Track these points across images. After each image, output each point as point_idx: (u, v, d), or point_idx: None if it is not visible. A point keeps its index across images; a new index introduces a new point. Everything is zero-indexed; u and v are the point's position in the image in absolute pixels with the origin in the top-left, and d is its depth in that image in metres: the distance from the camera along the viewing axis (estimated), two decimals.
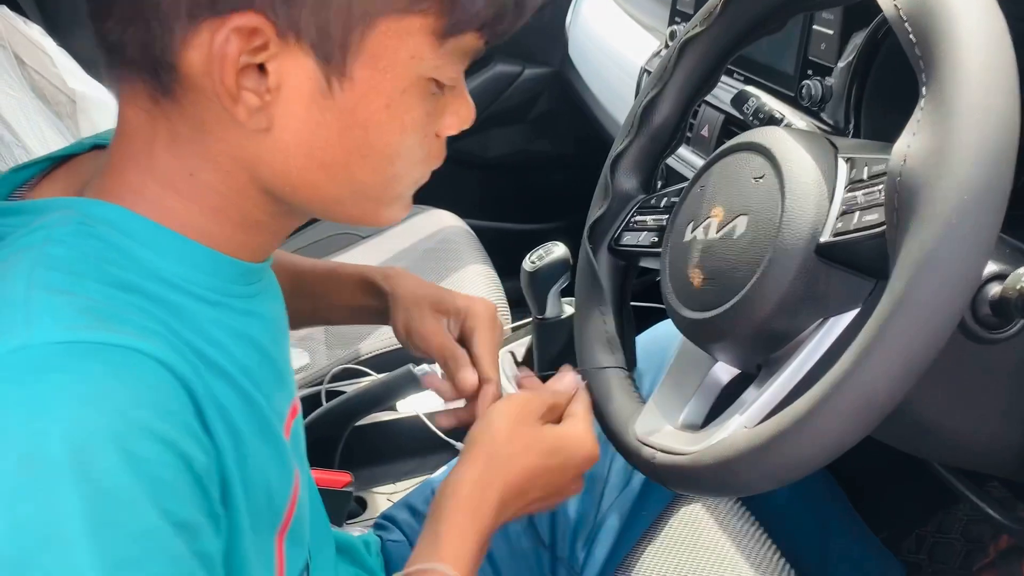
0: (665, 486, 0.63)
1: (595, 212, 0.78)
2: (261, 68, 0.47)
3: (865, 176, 0.56)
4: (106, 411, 0.41)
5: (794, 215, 0.57)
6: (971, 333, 0.55)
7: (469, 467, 0.64)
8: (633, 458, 0.66)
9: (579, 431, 0.68)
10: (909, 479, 1.11)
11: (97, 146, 0.57)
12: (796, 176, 0.59)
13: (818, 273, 0.57)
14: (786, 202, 0.58)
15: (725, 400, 0.65)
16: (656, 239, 0.73)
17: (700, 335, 0.65)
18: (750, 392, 0.60)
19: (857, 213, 0.54)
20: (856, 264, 0.56)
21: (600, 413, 0.72)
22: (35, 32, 1.56)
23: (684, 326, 0.66)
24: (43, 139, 1.41)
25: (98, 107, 1.58)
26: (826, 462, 0.51)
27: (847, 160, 0.59)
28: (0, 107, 1.35)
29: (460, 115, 0.56)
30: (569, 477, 0.68)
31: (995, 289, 0.55)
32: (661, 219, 0.73)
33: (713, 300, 0.62)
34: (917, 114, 0.48)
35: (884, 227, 0.51)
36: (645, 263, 0.77)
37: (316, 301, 0.85)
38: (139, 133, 0.51)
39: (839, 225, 0.55)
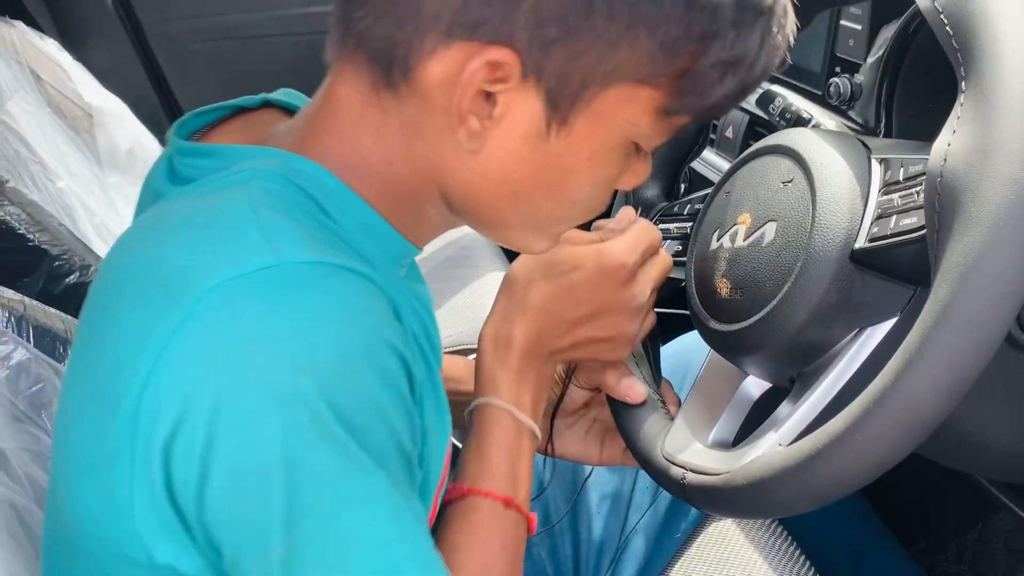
0: (696, 508, 0.61)
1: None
2: (489, 95, 0.49)
3: (901, 178, 0.53)
4: (358, 328, 0.45)
5: (826, 220, 0.55)
6: (1016, 342, 0.53)
7: (490, 314, 0.66)
8: (662, 479, 0.63)
9: (604, 244, 0.65)
10: (946, 488, 1.08)
11: (268, 103, 0.59)
12: (827, 179, 0.56)
13: (853, 281, 0.54)
14: (817, 207, 0.55)
15: (757, 416, 0.62)
16: (680, 248, 0.71)
17: (729, 348, 0.63)
18: (783, 407, 0.58)
19: (894, 217, 0.52)
20: (894, 271, 0.53)
21: (625, 430, 0.69)
22: (51, 47, 1.57)
23: (712, 338, 0.64)
24: (60, 154, 1.41)
25: (115, 120, 1.58)
26: (868, 482, 0.48)
27: (881, 161, 0.56)
28: (17, 123, 1.35)
29: (639, 174, 0.57)
30: (605, 293, 0.64)
31: None
32: (685, 227, 0.71)
33: (742, 311, 0.59)
34: (957, 111, 0.45)
35: (924, 231, 0.48)
36: (672, 273, 0.74)
37: None
38: (348, 111, 0.52)
39: (875, 230, 0.53)
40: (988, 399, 0.56)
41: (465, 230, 1.60)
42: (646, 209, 0.76)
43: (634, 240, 0.65)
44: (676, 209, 0.74)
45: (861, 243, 0.53)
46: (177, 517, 0.46)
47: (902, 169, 0.54)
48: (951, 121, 0.46)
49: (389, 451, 0.45)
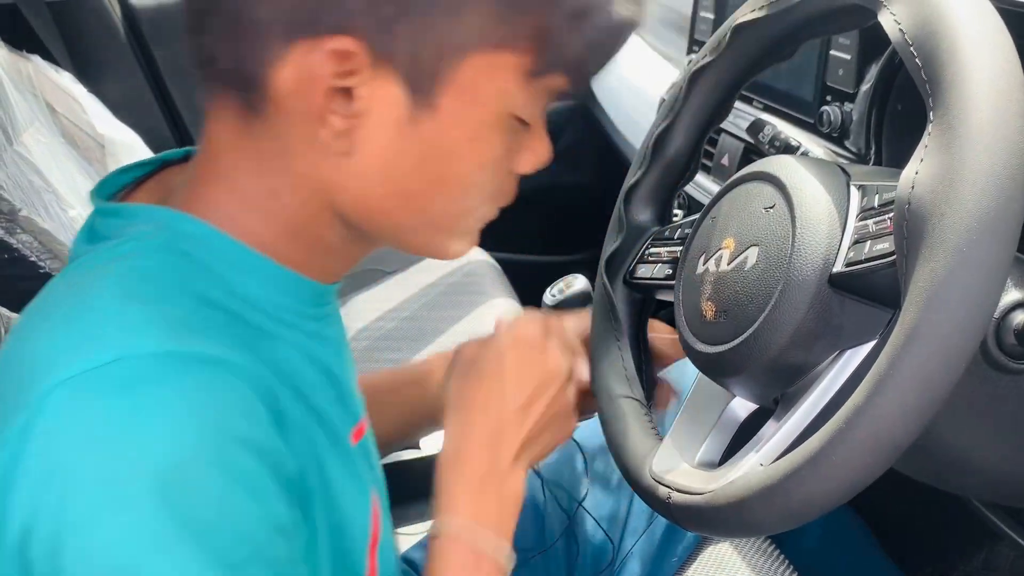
0: (682, 527, 0.61)
1: (610, 245, 0.77)
2: (349, 92, 0.47)
3: (876, 204, 0.54)
4: (203, 425, 0.43)
5: (805, 245, 0.56)
6: (998, 364, 0.54)
7: (444, 439, 0.65)
8: (649, 498, 0.63)
9: (507, 326, 0.65)
10: (948, 516, 1.07)
11: (189, 155, 0.58)
12: (807, 205, 0.57)
13: (832, 304, 0.55)
14: (797, 232, 0.56)
15: (743, 436, 0.62)
16: (670, 271, 0.71)
17: (715, 369, 0.64)
18: (767, 428, 0.58)
19: (869, 242, 0.53)
20: (871, 295, 0.54)
21: (617, 450, 0.70)
22: (66, 79, 1.59)
23: (699, 360, 0.65)
24: (73, 184, 1.43)
25: (126, 151, 1.60)
26: (842, 500, 0.48)
27: (859, 188, 0.57)
28: (32, 154, 1.37)
29: (537, 153, 0.56)
30: (535, 365, 0.63)
31: (1020, 318, 0.54)
32: (675, 251, 0.72)
33: (726, 334, 0.60)
34: (925, 139, 0.46)
35: (894, 256, 0.49)
36: (661, 296, 0.75)
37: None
38: (225, 151, 0.51)
39: (851, 255, 0.54)
40: (973, 421, 0.57)
41: (470, 256, 1.63)
42: (638, 233, 0.76)
43: (527, 317, 0.67)
44: (667, 234, 0.74)
45: (839, 267, 0.54)
46: None
47: (877, 196, 0.55)
48: (919, 150, 0.47)
49: (240, 549, 0.42)
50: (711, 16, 1.16)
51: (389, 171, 0.50)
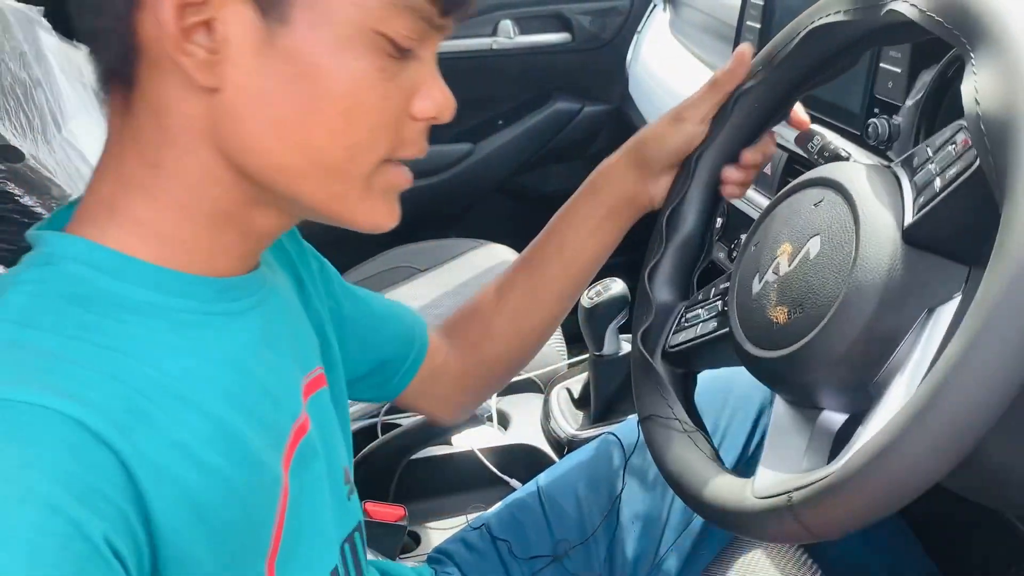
0: (811, 533, 0.50)
1: (642, 323, 0.75)
2: (208, 25, 0.47)
3: (930, 153, 0.55)
4: (14, 475, 0.40)
5: (870, 213, 0.55)
6: None
7: None
8: (762, 518, 0.54)
9: None
10: (988, 528, 1.07)
11: None
12: (858, 184, 0.57)
13: (913, 261, 0.54)
14: (857, 207, 0.56)
15: (842, 448, 0.54)
16: (717, 324, 0.69)
17: (799, 371, 0.58)
18: (874, 409, 0.53)
19: (937, 180, 0.53)
20: (947, 247, 0.53)
21: (698, 499, 0.62)
22: None
23: (775, 370, 0.60)
24: None
25: None
26: (1002, 406, 0.42)
27: (900, 164, 0.58)
28: (79, 140, 1.39)
29: (434, 98, 0.54)
30: None
31: None
32: (716, 305, 0.71)
33: (806, 326, 0.57)
34: (969, 66, 0.48)
35: (975, 167, 0.49)
36: (704, 365, 0.72)
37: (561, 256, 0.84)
38: (112, 144, 0.52)
39: (921, 200, 0.53)
40: (1017, 435, 0.55)
41: (503, 257, 1.63)
42: (667, 310, 0.75)
43: None
44: (700, 297, 0.73)
45: (911, 218, 0.54)
46: None
47: (927, 148, 0.55)
48: (967, 76, 0.48)
49: None
50: (757, 26, 1.16)
51: (259, 99, 0.49)
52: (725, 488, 0.59)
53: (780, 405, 0.63)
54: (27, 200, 1.08)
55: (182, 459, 0.47)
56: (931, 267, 0.53)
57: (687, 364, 0.73)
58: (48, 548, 0.39)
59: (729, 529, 0.59)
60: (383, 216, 0.55)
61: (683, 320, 0.74)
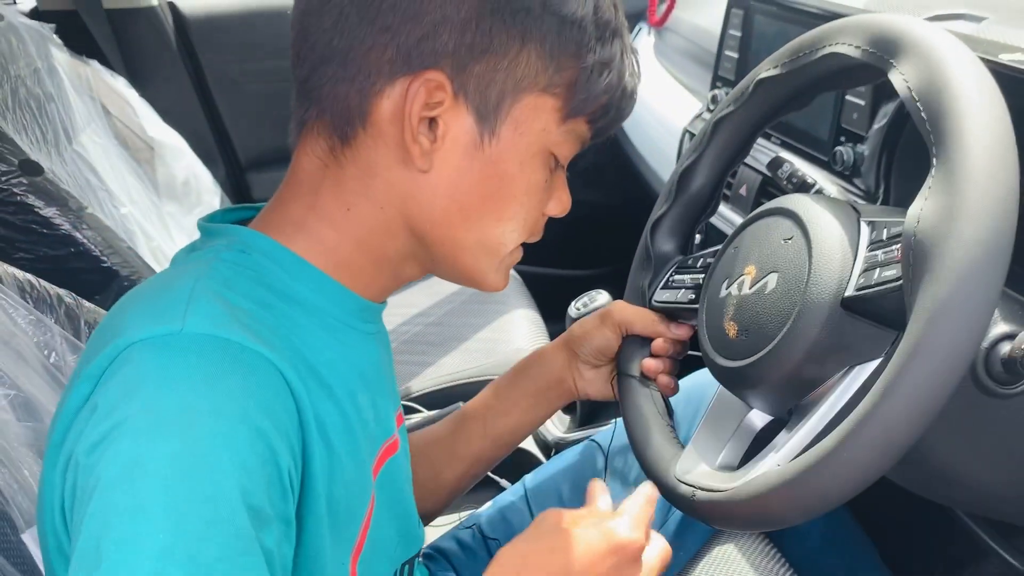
0: (704, 522, 0.66)
1: (642, 277, 0.84)
2: (432, 122, 0.59)
3: (884, 237, 0.61)
4: (218, 391, 0.50)
5: (821, 272, 0.62)
6: (986, 388, 0.60)
7: (516, 543, 0.61)
8: (674, 497, 0.69)
9: (609, 523, 0.62)
10: (939, 531, 1.13)
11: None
12: (822, 237, 0.64)
13: (844, 325, 0.61)
14: (813, 261, 0.63)
15: (759, 444, 0.68)
16: (693, 296, 0.78)
17: (735, 382, 0.70)
18: (782, 435, 0.64)
19: (878, 270, 0.59)
20: (879, 317, 0.60)
21: (641, 456, 0.76)
22: (120, 84, 1.67)
23: (720, 374, 0.71)
24: (124, 183, 1.50)
25: (173, 154, 1.67)
26: (852, 494, 0.54)
27: (868, 223, 0.64)
28: (88, 153, 1.44)
29: (562, 201, 0.68)
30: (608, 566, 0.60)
31: (1006, 348, 0.60)
32: (698, 278, 0.78)
33: (747, 350, 0.66)
34: (928, 181, 0.53)
35: (901, 281, 0.55)
36: (683, 320, 0.81)
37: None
38: (309, 177, 0.62)
39: (862, 280, 0.60)
40: (963, 440, 0.63)
41: None
42: (663, 262, 0.83)
43: (640, 517, 0.63)
44: (690, 263, 0.81)
45: (850, 291, 0.60)
46: (66, 535, 0.52)
47: (885, 230, 0.61)
48: (923, 190, 0.54)
49: (201, 516, 0.45)
50: (735, 55, 1.23)
51: (456, 185, 0.61)
52: (658, 455, 0.73)
53: (723, 392, 0.74)
54: (47, 212, 1.13)
55: (319, 433, 0.56)
56: (859, 331, 0.61)
57: (667, 318, 0.82)
58: (254, 463, 0.48)
59: (656, 487, 0.70)
60: (501, 284, 0.68)
61: (671, 279, 0.82)
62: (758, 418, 0.73)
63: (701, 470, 0.69)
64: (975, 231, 0.50)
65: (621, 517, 0.62)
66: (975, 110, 0.53)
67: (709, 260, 0.78)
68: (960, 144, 0.52)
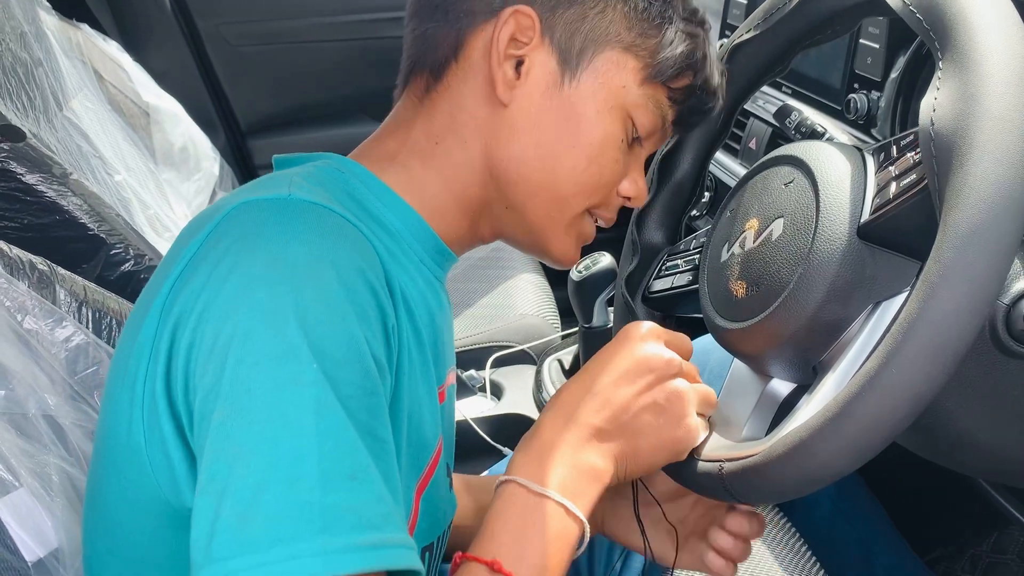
0: (737, 499, 0.57)
1: (627, 266, 0.79)
2: (517, 66, 0.62)
3: (894, 152, 0.56)
4: (331, 245, 0.52)
5: (830, 205, 0.57)
6: (1007, 349, 0.56)
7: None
8: (699, 480, 0.60)
9: (619, 340, 0.63)
10: (959, 500, 1.10)
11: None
12: (826, 170, 0.59)
13: (863, 257, 0.56)
14: (820, 195, 0.58)
15: (785, 414, 0.60)
16: (691, 278, 0.73)
17: (752, 344, 0.63)
18: (810, 393, 0.57)
19: (892, 184, 0.54)
20: (899, 243, 0.55)
21: None
22: (113, 48, 1.63)
23: (733, 341, 0.65)
24: (118, 150, 1.48)
25: (170, 119, 1.64)
26: (908, 421, 0.47)
27: (872, 152, 0.59)
28: (80, 120, 1.41)
29: (636, 184, 0.68)
30: (632, 350, 0.61)
31: None
32: (693, 258, 0.73)
33: (760, 304, 0.60)
34: (936, 75, 0.49)
35: (924, 183, 0.50)
36: (680, 311, 0.76)
37: None
38: (405, 115, 0.66)
39: (877, 201, 0.55)
40: (981, 402, 0.59)
41: None
42: (652, 253, 0.79)
43: (644, 322, 0.64)
44: (682, 247, 0.77)
45: (866, 216, 0.55)
46: (168, 407, 0.52)
47: (894, 146, 0.57)
48: (932, 86, 0.49)
49: (340, 355, 0.49)
50: (744, 1, 1.17)
51: (534, 123, 0.63)
52: None
53: (738, 366, 0.68)
54: (29, 179, 1.10)
55: (399, 340, 0.57)
56: (881, 263, 0.56)
57: (666, 308, 0.77)
58: (373, 315, 0.52)
59: (671, 476, 0.65)
60: (570, 254, 0.68)
61: (663, 267, 0.77)
62: (780, 387, 0.65)
63: (724, 444, 0.62)
64: (1000, 106, 0.46)
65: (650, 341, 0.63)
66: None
67: (703, 239, 0.72)
68: (966, 30, 0.48)
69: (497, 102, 0.63)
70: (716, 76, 0.67)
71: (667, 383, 0.61)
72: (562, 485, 0.57)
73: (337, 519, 0.45)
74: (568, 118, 0.63)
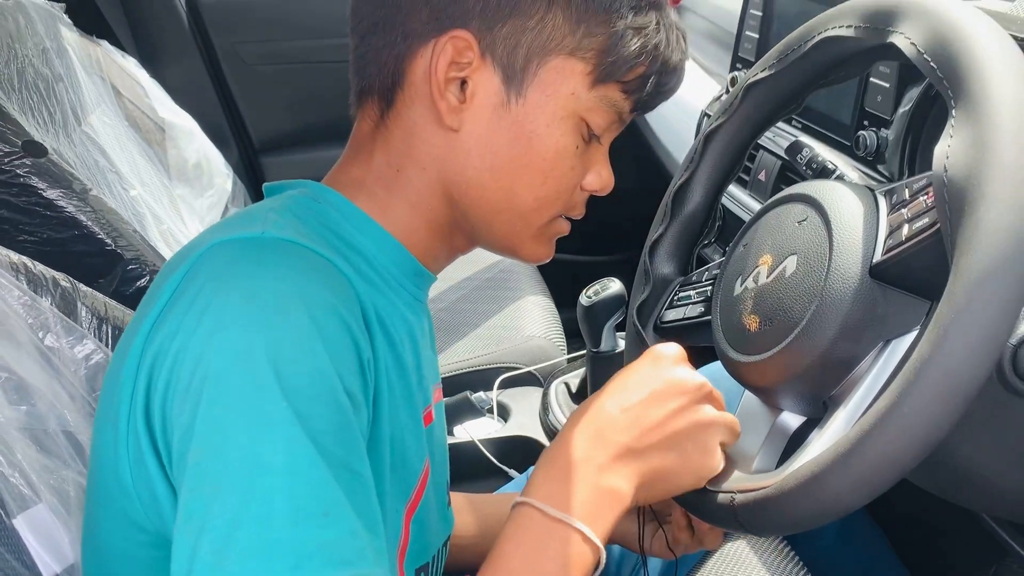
0: (748, 531, 0.59)
1: (638, 296, 0.80)
2: (461, 81, 0.61)
3: (907, 196, 0.58)
4: (303, 282, 0.53)
5: (843, 244, 0.59)
6: (1014, 388, 0.57)
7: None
8: (709, 509, 0.61)
9: (649, 360, 0.63)
10: (960, 531, 1.10)
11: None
12: (839, 209, 0.61)
13: (875, 296, 0.57)
14: (833, 234, 0.59)
15: (795, 447, 0.61)
16: (703, 309, 0.73)
17: (764, 378, 0.64)
18: (820, 429, 0.59)
19: (905, 227, 0.55)
20: (911, 284, 0.57)
21: None
22: (131, 64, 1.65)
23: (745, 374, 0.65)
24: (134, 165, 1.49)
25: (185, 135, 1.66)
26: (919, 458, 0.48)
27: (884, 194, 0.61)
28: (98, 134, 1.43)
29: (601, 176, 0.67)
30: (659, 373, 0.61)
31: None
32: (705, 290, 0.74)
33: (773, 339, 0.61)
34: (949, 125, 0.50)
35: (936, 228, 0.52)
36: (692, 341, 0.76)
37: None
38: (365, 141, 0.66)
39: (890, 242, 0.56)
40: (988, 440, 0.60)
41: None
42: (664, 284, 0.80)
43: (669, 344, 0.64)
44: (694, 278, 0.78)
45: (878, 257, 0.57)
46: (150, 444, 0.53)
47: (906, 189, 0.58)
48: (946, 132, 0.50)
49: (311, 391, 0.49)
50: (755, 36, 1.19)
51: (485, 146, 0.62)
52: None
53: (748, 398, 0.69)
54: (50, 194, 1.12)
55: (381, 364, 0.58)
56: (893, 302, 0.57)
57: (677, 339, 0.76)
58: (344, 350, 0.52)
59: (681, 503, 0.66)
60: (543, 254, 0.69)
61: (675, 298, 0.78)
62: (791, 420, 0.66)
63: (736, 476, 0.62)
64: (1013, 155, 0.47)
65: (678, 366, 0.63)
66: (990, 47, 0.51)
67: (715, 271, 0.74)
68: (979, 78, 0.50)
69: (446, 127, 0.62)
70: (675, 54, 0.64)
71: (699, 409, 0.61)
72: (581, 509, 0.56)
73: (309, 556, 0.46)
74: (518, 137, 0.62)
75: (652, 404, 0.60)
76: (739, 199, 1.15)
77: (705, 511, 0.62)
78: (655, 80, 0.63)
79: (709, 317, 0.71)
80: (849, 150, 0.96)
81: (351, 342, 0.53)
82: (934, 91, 0.85)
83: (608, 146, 0.67)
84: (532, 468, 1.01)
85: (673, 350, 0.63)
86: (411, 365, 0.63)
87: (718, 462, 0.62)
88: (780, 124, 1.09)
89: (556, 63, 0.61)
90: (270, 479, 0.47)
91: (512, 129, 0.62)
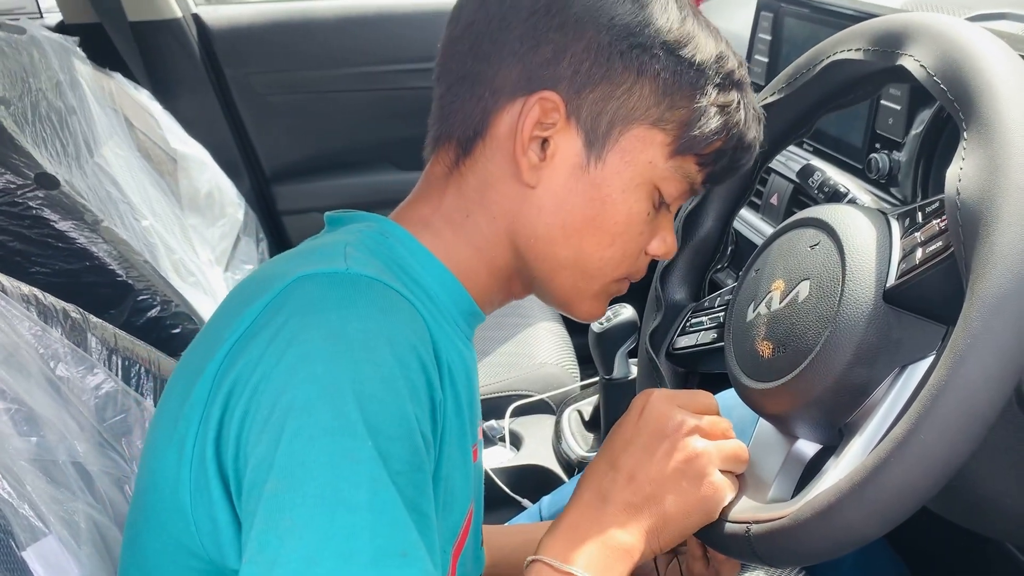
0: (764, 562, 0.58)
1: (650, 322, 0.80)
2: (544, 142, 0.62)
3: (920, 219, 0.57)
4: (386, 321, 0.54)
5: (856, 269, 0.58)
6: None
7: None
8: (723, 539, 0.61)
9: (633, 412, 0.65)
10: (979, 558, 1.08)
11: None
12: (851, 234, 0.60)
13: (889, 320, 0.56)
14: (847, 259, 0.59)
15: (811, 475, 0.60)
16: (716, 335, 0.73)
17: (778, 405, 0.63)
18: (837, 456, 0.58)
19: (919, 251, 0.55)
20: (925, 308, 0.56)
21: None
22: (144, 96, 1.68)
23: (759, 401, 0.65)
24: (146, 196, 1.50)
25: (197, 166, 1.67)
26: (937, 487, 0.48)
27: (897, 217, 0.60)
28: (110, 166, 1.44)
29: (666, 242, 0.68)
30: (652, 421, 0.63)
31: None
32: (717, 316, 0.74)
33: (787, 365, 0.61)
34: (962, 144, 0.50)
35: (950, 251, 0.51)
36: (705, 368, 0.76)
37: None
38: (437, 182, 0.67)
39: (903, 266, 0.56)
40: (1007, 466, 0.59)
41: None
42: (677, 310, 0.79)
43: (687, 402, 0.65)
44: (707, 304, 0.77)
45: (892, 281, 0.56)
46: (217, 471, 0.53)
47: (919, 212, 0.58)
48: (957, 154, 0.50)
49: (393, 431, 0.50)
50: (765, 60, 1.19)
51: (560, 204, 0.64)
52: None
53: (763, 426, 0.68)
54: (62, 225, 1.13)
55: (443, 414, 0.58)
56: (907, 327, 0.56)
57: (689, 365, 0.77)
58: (421, 391, 0.53)
59: (698, 537, 0.64)
60: (598, 313, 0.70)
61: (688, 324, 0.77)
62: (807, 447, 0.65)
63: (751, 506, 0.61)
64: (1022, 176, 0.46)
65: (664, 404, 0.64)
66: (1001, 69, 0.51)
67: (727, 297, 0.73)
68: (992, 99, 0.50)
69: (523, 183, 0.63)
70: (751, 132, 0.66)
71: (684, 445, 0.61)
72: (589, 563, 0.58)
73: None
74: (593, 199, 0.63)
75: (641, 456, 0.62)
76: (751, 223, 1.15)
77: (720, 542, 0.61)
78: (731, 155, 0.65)
79: (722, 343, 0.70)
80: (861, 173, 0.96)
81: (427, 385, 0.54)
82: (946, 113, 0.85)
83: (675, 213, 0.69)
84: (544, 498, 1.00)
85: (651, 397, 0.65)
86: (465, 402, 0.64)
87: (722, 492, 0.61)
88: (792, 147, 1.09)
89: (638, 132, 0.62)
90: (352, 516, 0.47)
91: (588, 191, 0.63)
